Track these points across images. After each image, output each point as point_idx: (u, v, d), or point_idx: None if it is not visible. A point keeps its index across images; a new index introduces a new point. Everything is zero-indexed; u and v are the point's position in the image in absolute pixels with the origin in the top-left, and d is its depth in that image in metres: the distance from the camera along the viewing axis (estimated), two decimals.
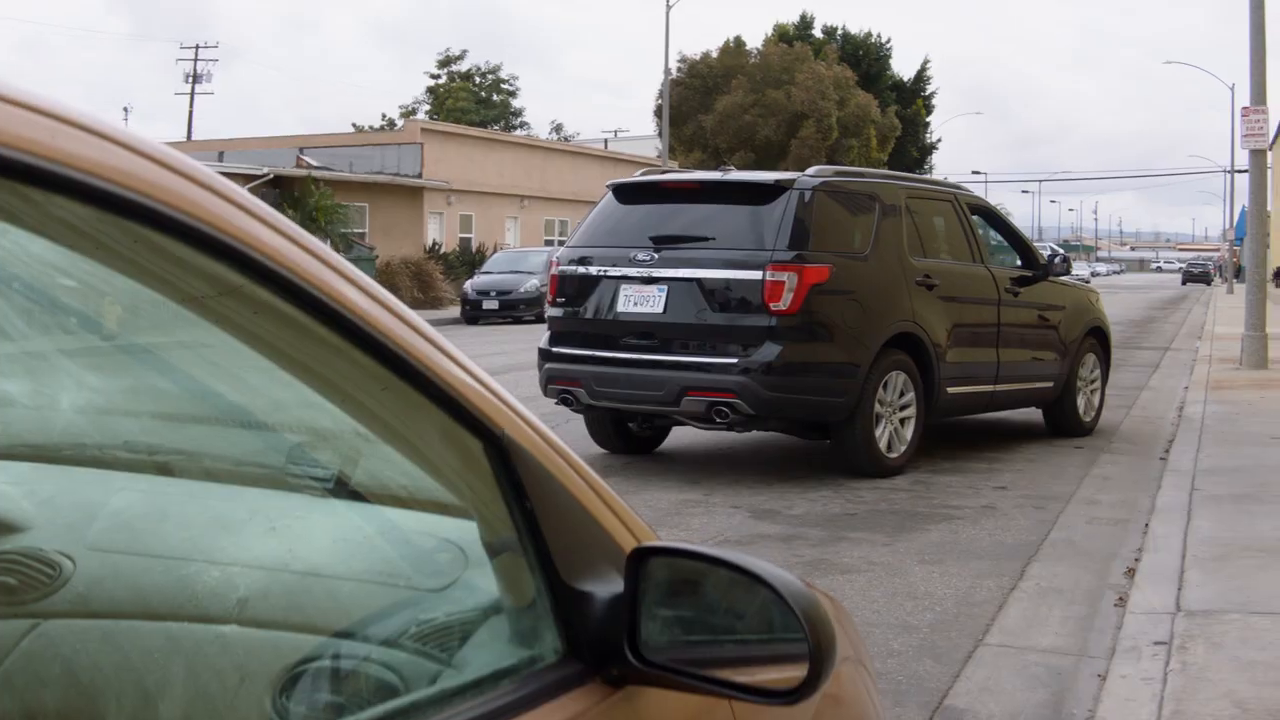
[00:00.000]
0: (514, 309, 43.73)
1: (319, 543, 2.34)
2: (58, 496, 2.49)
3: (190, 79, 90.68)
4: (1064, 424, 15.91)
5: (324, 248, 1.85)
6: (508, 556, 2.08)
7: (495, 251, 53.88)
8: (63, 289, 2.00)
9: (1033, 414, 16.29)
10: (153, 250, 1.66)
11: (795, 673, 2.01)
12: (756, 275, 12.24)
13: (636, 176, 14.19)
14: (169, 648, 2.16)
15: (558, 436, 2.18)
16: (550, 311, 13.86)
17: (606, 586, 2.09)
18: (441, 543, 2.22)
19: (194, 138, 79.75)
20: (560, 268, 13.66)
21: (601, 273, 13.15)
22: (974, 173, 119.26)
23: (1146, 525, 10.43)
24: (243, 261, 1.69)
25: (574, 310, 13.42)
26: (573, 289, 13.45)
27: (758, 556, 6.58)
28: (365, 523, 2.32)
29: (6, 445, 2.48)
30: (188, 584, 2.24)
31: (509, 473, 2.03)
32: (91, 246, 1.67)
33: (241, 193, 1.76)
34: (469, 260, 56.07)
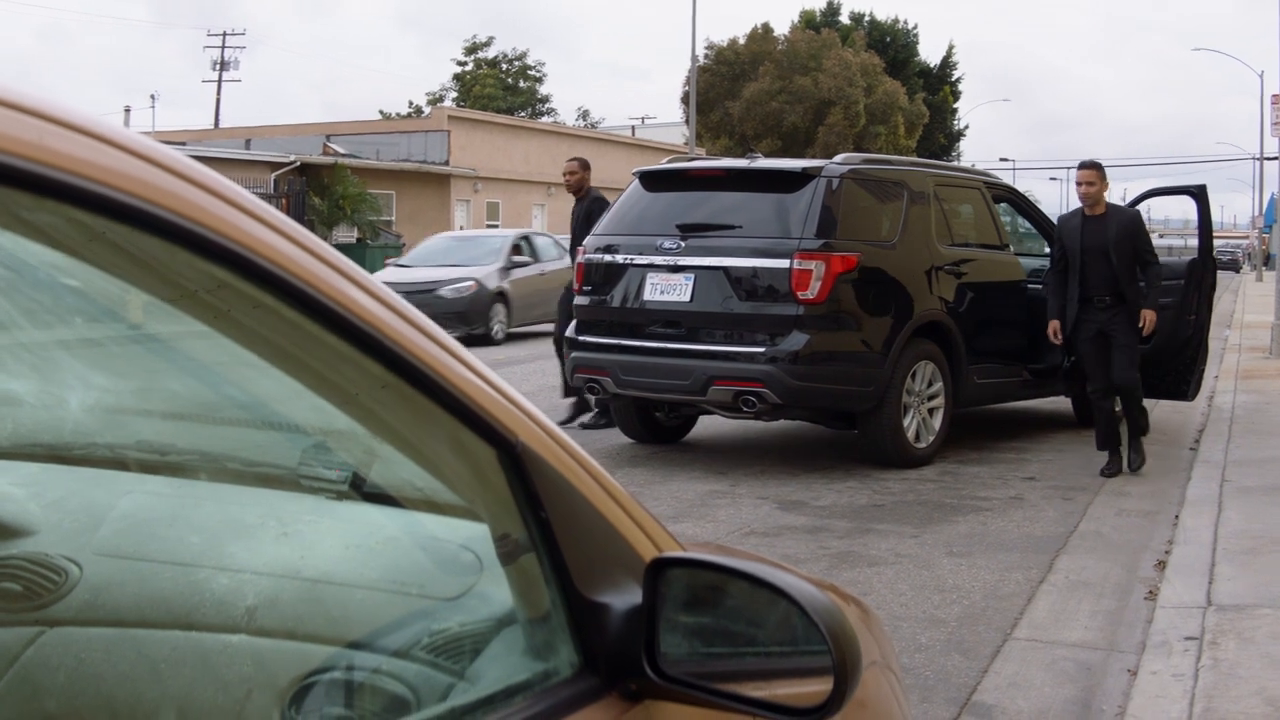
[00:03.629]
0: None
1: (331, 549, 2.29)
2: (65, 499, 2.45)
3: (217, 66, 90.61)
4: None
5: (331, 250, 1.79)
6: (523, 566, 2.03)
7: None
8: (65, 287, 1.96)
9: (1061, 403, 16.16)
10: (153, 252, 1.60)
11: (818, 687, 1.95)
12: (784, 264, 12.17)
13: (663, 164, 14.14)
14: (176, 657, 2.12)
15: (576, 443, 2.11)
16: (577, 300, 13.80)
17: (625, 597, 2.03)
18: (456, 549, 2.18)
19: (221, 125, 79.83)
20: (587, 256, 13.61)
21: (628, 261, 13.10)
22: (1001, 160, 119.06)
23: (1176, 517, 10.37)
24: (245, 265, 1.64)
25: (601, 299, 13.37)
26: (599, 277, 13.40)
27: (783, 551, 6.52)
28: (379, 528, 2.27)
29: (15, 445, 2.44)
30: (197, 591, 2.19)
31: (524, 481, 1.97)
32: (88, 247, 1.62)
33: (246, 195, 1.70)
34: None
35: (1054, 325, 12.71)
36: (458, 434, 1.93)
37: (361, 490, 2.24)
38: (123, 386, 2.32)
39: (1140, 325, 12.32)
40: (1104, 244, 12.40)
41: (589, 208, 14.85)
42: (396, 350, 1.81)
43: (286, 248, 1.71)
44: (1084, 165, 12.81)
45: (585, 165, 15.62)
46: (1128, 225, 12.60)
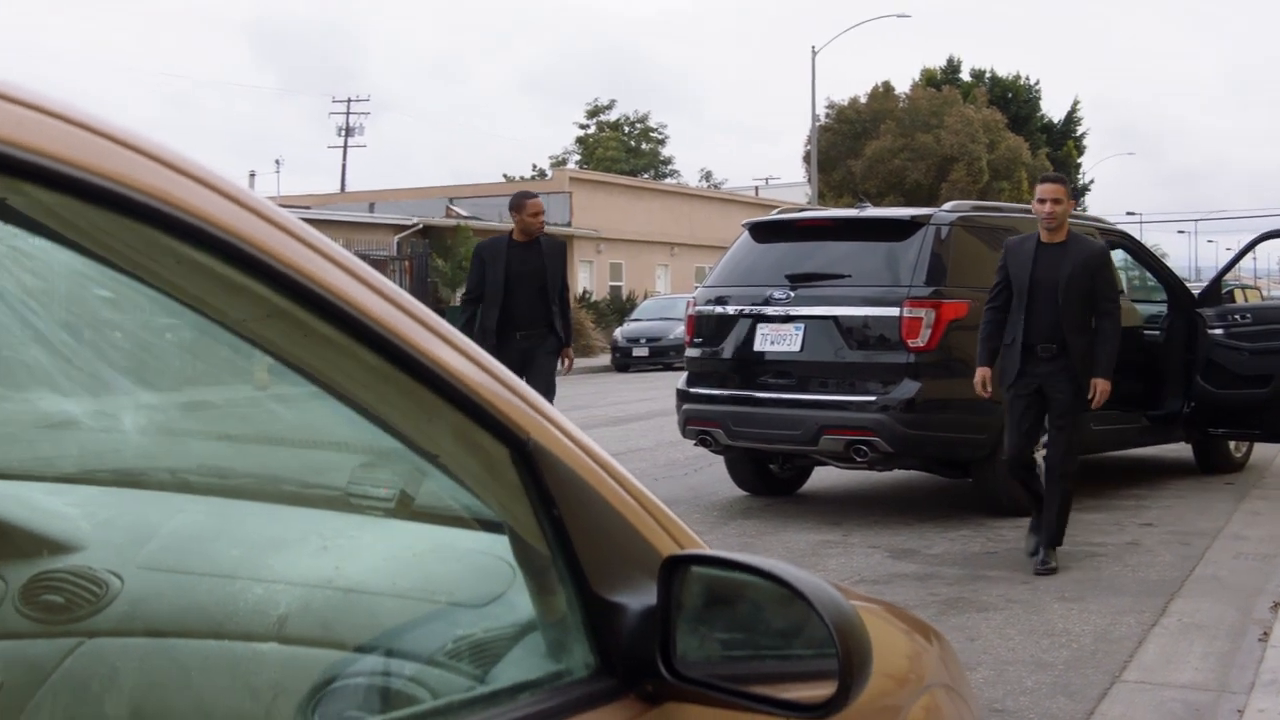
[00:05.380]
0: (664, 355, 43.40)
1: (368, 560, 2.31)
2: (117, 518, 2.51)
3: (343, 132, 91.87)
4: (1214, 460, 15.52)
5: (350, 257, 1.82)
6: (538, 566, 2.02)
7: (645, 299, 53.84)
8: (120, 306, 2.02)
9: (1183, 450, 15.92)
10: (194, 271, 1.64)
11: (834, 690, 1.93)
12: (894, 312, 12.13)
13: (772, 215, 14.17)
14: (207, 665, 2.14)
15: (591, 439, 2.11)
16: (688, 352, 13.83)
17: (641, 597, 2.01)
18: (492, 559, 2.17)
19: (347, 189, 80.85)
20: (697, 308, 13.64)
21: (738, 312, 13.10)
22: (1128, 214, 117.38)
23: None
24: (273, 277, 1.67)
25: (711, 350, 13.38)
26: (710, 329, 13.42)
27: (891, 598, 6.44)
28: (417, 540, 2.29)
29: (80, 471, 2.50)
30: (231, 601, 2.23)
31: (536, 479, 1.96)
32: (152, 269, 1.66)
33: (284, 214, 1.74)
34: (619, 308, 56.08)
35: (981, 374, 10.73)
36: (468, 433, 1.93)
37: (409, 506, 2.26)
38: (174, 405, 2.36)
39: (1090, 396, 10.32)
40: (1058, 279, 10.24)
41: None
42: (404, 347, 1.82)
43: (313, 260, 1.74)
44: (1046, 179, 10.59)
45: None
46: (1091, 259, 10.35)
